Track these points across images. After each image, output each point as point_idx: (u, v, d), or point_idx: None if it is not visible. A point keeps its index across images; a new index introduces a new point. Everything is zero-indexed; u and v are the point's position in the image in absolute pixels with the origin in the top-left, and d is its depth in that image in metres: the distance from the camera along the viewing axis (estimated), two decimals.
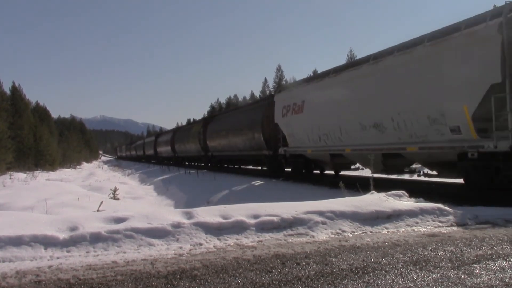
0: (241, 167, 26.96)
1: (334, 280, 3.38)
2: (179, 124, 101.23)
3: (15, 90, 42.86)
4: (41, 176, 29.54)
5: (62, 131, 77.10)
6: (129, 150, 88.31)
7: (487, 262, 3.80)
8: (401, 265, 3.76)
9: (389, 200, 6.33)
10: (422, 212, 5.85)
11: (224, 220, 5.11)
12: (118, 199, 14.39)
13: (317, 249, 4.37)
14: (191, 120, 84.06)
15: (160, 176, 28.15)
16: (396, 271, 3.59)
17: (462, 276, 3.40)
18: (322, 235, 5.03)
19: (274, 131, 17.26)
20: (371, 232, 5.20)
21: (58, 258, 4.11)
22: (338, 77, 12.90)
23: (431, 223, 5.59)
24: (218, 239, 4.78)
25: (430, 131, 9.31)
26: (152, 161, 56.77)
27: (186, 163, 38.73)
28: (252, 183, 17.13)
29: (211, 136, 27.41)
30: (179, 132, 40.58)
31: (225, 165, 29.16)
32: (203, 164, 31.46)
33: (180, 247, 4.50)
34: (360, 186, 8.69)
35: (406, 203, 6.30)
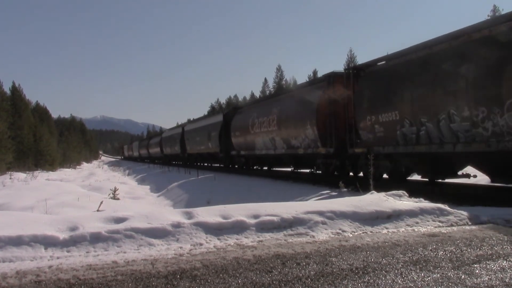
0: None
1: (334, 280, 3.38)
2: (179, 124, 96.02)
3: (15, 90, 42.93)
4: (41, 176, 29.57)
5: (62, 131, 77.17)
6: (146, 148, 60.42)
7: (487, 262, 3.80)
8: (401, 265, 3.76)
9: (389, 200, 6.32)
10: (422, 212, 5.84)
11: (224, 220, 5.10)
12: (118, 199, 14.39)
13: (317, 249, 4.37)
14: (191, 119, 75.59)
15: None
16: (396, 271, 3.59)
17: (462, 276, 3.40)
18: (322, 235, 5.03)
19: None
20: (371, 232, 5.20)
21: (58, 258, 4.11)
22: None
23: (431, 223, 5.58)
24: (218, 239, 4.78)
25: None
26: (198, 163, 33.48)
27: None
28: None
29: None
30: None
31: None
32: None
33: (180, 247, 4.50)
34: (360, 186, 8.69)
35: (406, 203, 6.29)
